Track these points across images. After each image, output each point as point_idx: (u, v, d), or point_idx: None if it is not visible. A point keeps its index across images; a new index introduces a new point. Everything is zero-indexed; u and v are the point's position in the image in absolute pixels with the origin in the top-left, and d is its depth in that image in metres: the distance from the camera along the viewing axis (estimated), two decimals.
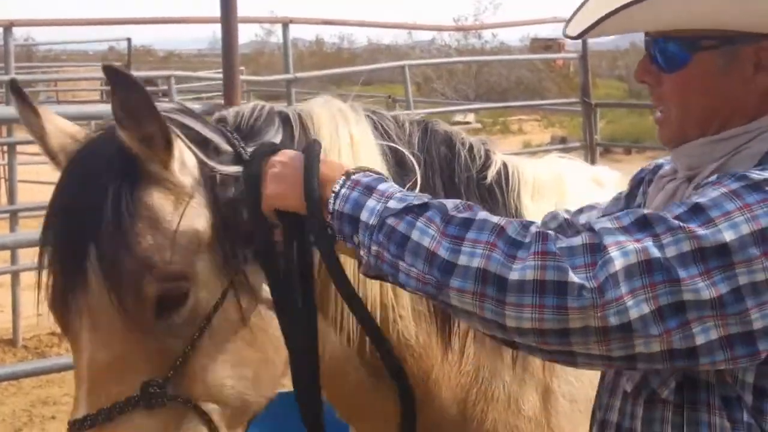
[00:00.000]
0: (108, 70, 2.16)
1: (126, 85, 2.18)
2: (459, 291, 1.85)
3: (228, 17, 5.24)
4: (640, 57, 2.22)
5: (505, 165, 2.87)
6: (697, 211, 1.83)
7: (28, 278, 11.23)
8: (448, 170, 2.75)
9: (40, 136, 2.47)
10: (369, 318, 2.43)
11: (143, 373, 2.22)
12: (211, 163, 2.37)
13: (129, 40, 20.71)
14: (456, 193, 2.69)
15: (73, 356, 2.32)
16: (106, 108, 12.16)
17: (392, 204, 1.99)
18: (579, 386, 2.81)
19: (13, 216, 10.45)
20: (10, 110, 9.22)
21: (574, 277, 1.77)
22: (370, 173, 2.13)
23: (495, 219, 1.90)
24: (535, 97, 30.02)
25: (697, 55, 2.07)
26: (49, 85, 24.17)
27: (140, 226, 2.23)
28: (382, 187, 2.06)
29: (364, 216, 2.02)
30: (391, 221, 1.96)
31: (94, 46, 43.57)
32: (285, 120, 2.57)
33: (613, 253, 1.78)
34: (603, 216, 2.35)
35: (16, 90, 2.48)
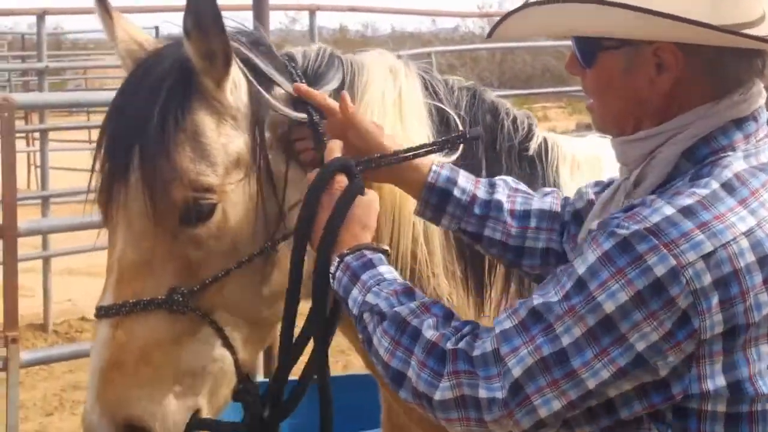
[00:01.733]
0: None
1: None
2: (407, 398, 2.06)
3: (260, 4, 5.28)
4: None
5: (545, 140, 2.95)
6: (580, 287, 1.89)
7: (59, 263, 11.36)
8: (491, 137, 2.84)
9: (112, 39, 2.64)
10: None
11: (171, 278, 2.38)
12: (267, 96, 2.49)
13: (157, 28, 20.72)
14: (497, 159, 2.81)
15: (107, 251, 2.46)
16: None
17: (369, 298, 2.13)
18: None
19: (45, 202, 10.56)
20: (43, 97, 9.34)
21: (484, 393, 1.94)
22: (363, 254, 2.22)
23: (429, 333, 2.03)
24: (560, 85, 29.83)
25: (601, 54, 2.11)
26: (78, 72, 24.29)
27: (181, 135, 2.37)
28: (365, 276, 2.17)
29: (349, 303, 2.18)
30: (365, 316, 2.13)
31: None
32: (343, 68, 2.69)
33: (510, 362, 1.92)
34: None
35: None
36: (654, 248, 1.85)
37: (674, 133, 2.06)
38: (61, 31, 33.52)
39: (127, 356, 2.35)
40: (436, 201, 2.52)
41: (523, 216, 2.54)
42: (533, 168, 2.88)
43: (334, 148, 2.41)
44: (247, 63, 2.51)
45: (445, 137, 2.65)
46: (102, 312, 2.37)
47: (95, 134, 19.82)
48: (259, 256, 2.46)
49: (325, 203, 2.29)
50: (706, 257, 1.85)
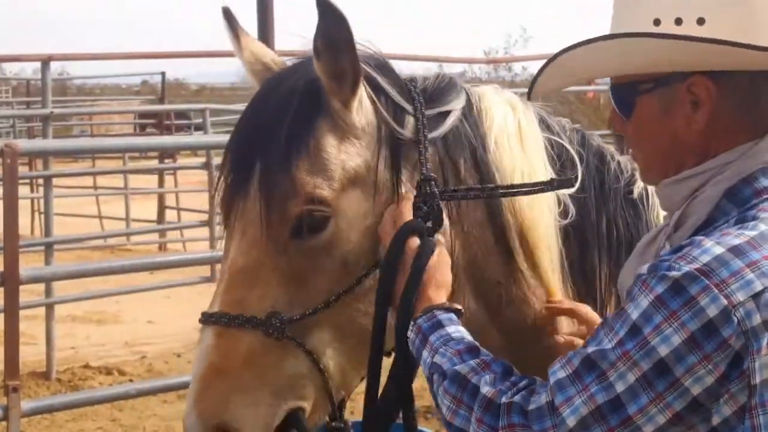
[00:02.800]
0: (319, 2, 2.31)
1: (333, 18, 2.34)
2: None
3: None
4: None
5: (645, 185, 2.97)
6: (634, 332, 1.89)
7: (62, 310, 11.30)
8: (599, 178, 2.88)
9: (240, 58, 2.76)
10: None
11: (275, 292, 2.43)
12: (387, 118, 2.53)
13: (163, 73, 20.88)
14: (604, 200, 2.85)
15: (222, 260, 2.57)
16: (140, 141, 12.20)
17: (436, 359, 2.19)
18: None
19: (49, 248, 10.49)
20: (46, 143, 9.33)
21: None
22: (434, 314, 2.29)
23: (486, 390, 2.07)
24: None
25: (639, 99, 2.14)
26: (83, 118, 24.38)
27: (301, 153, 2.43)
28: (433, 338, 2.23)
29: (422, 366, 2.25)
30: (434, 377, 2.18)
31: (128, 79, 43.91)
32: (466, 92, 2.73)
33: (565, 412, 1.92)
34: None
35: (228, 17, 2.74)
36: (705, 288, 1.85)
37: (717, 172, 2.07)
38: (66, 76, 33.65)
39: (224, 364, 2.41)
40: None
41: None
42: (637, 211, 2.90)
43: (408, 200, 2.48)
44: (371, 83, 2.55)
45: (549, 179, 2.67)
46: (203, 318, 2.47)
47: (100, 180, 19.87)
48: (366, 277, 2.47)
49: (400, 267, 2.37)
50: (755, 297, 1.85)
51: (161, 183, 18.25)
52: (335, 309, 2.45)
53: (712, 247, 1.90)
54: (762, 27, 2.03)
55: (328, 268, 2.45)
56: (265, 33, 5.18)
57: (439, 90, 2.68)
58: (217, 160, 15.35)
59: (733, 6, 2.03)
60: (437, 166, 2.58)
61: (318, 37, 2.38)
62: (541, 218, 2.69)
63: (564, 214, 2.72)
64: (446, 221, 2.54)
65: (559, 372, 1.97)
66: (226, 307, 2.44)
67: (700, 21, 2.03)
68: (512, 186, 2.61)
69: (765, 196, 2.01)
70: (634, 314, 1.91)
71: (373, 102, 2.54)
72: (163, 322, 12.14)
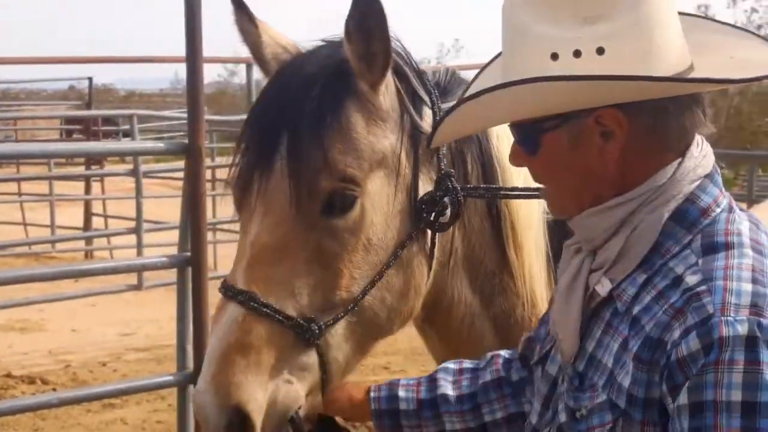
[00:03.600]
0: None
1: (366, 1, 2.38)
2: None
3: (193, 56, 5.18)
4: None
5: None
6: (750, 411, 1.74)
7: None
8: None
9: (255, 44, 2.77)
10: None
11: (303, 268, 2.43)
12: (409, 106, 2.60)
13: (90, 79, 20.62)
14: None
15: (240, 236, 2.54)
16: (66, 147, 12.01)
17: None
18: None
19: None
20: None
21: None
22: None
23: None
24: None
25: (544, 137, 2.06)
26: (8, 123, 23.99)
27: (334, 128, 2.45)
28: None
29: None
30: None
31: (55, 84, 43.36)
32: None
33: None
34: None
35: (240, 6, 2.75)
36: None
37: (649, 198, 2.02)
38: None
39: (249, 348, 2.39)
40: (389, 423, 2.58)
41: (471, 397, 2.55)
42: None
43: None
44: (397, 70, 2.61)
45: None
46: (230, 293, 2.43)
47: (25, 186, 19.47)
48: (393, 260, 2.52)
49: None
50: None
51: (88, 190, 18.02)
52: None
53: (740, 286, 1.84)
54: (662, 50, 1.97)
55: (353, 252, 2.49)
56: (193, 39, 5.12)
57: (450, 84, 2.78)
58: (144, 167, 15.24)
59: (630, 32, 1.95)
60: (450, 160, 2.67)
61: (350, 19, 2.42)
62: (534, 213, 2.79)
63: None
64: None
65: None
66: (254, 285, 2.42)
67: (600, 51, 1.94)
68: (527, 189, 2.69)
69: (713, 214, 2.00)
70: (735, 395, 1.75)
71: (397, 88, 2.60)
72: (88, 330, 11.97)
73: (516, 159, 2.18)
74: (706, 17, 2.24)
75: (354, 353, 2.58)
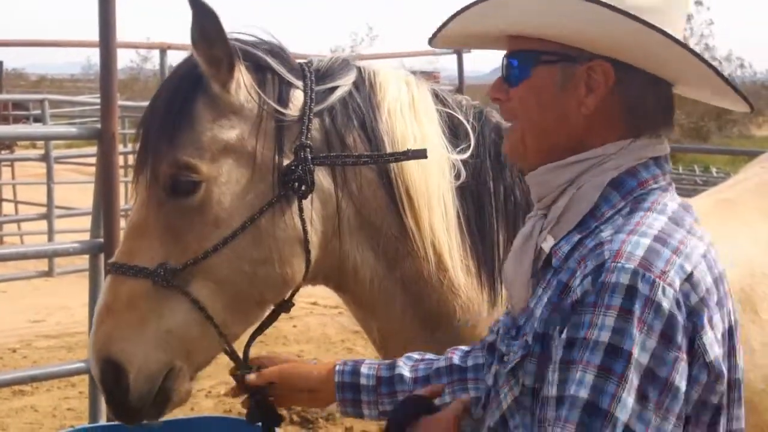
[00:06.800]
0: (191, 1, 2.67)
1: (203, 12, 2.68)
2: None
3: (107, 41, 5.17)
4: None
5: None
6: (614, 353, 1.87)
7: None
8: (495, 151, 3.09)
9: None
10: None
11: (161, 245, 2.77)
12: (266, 98, 2.85)
13: (0, 63, 20.27)
14: (501, 168, 3.08)
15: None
16: None
17: None
18: None
19: None
20: None
21: None
22: None
23: None
24: None
25: (536, 69, 2.16)
26: None
27: (175, 125, 2.77)
28: None
29: None
30: None
31: None
32: (359, 70, 3.03)
33: None
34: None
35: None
36: (653, 285, 1.90)
37: (598, 162, 2.14)
38: None
39: (117, 306, 2.76)
40: (350, 396, 2.71)
41: (425, 380, 2.65)
42: None
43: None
44: (257, 63, 2.88)
45: (392, 152, 2.93)
46: (107, 267, 2.82)
47: None
48: (241, 231, 2.78)
49: None
50: (688, 279, 1.94)
51: None
52: (214, 263, 2.77)
53: (641, 238, 1.96)
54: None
55: (201, 225, 2.78)
56: (107, 23, 5.11)
57: (331, 69, 2.99)
58: (56, 152, 15.03)
59: (659, 10, 2.09)
60: (323, 135, 2.90)
61: (193, 29, 2.72)
62: (433, 179, 2.95)
63: (458, 176, 2.98)
64: (329, 185, 2.88)
65: None
66: (121, 257, 2.80)
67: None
68: (380, 155, 2.91)
69: (649, 187, 2.11)
70: (603, 336, 1.89)
71: (255, 80, 2.85)
72: None
73: (497, 91, 2.26)
74: None
75: (233, 312, 2.83)
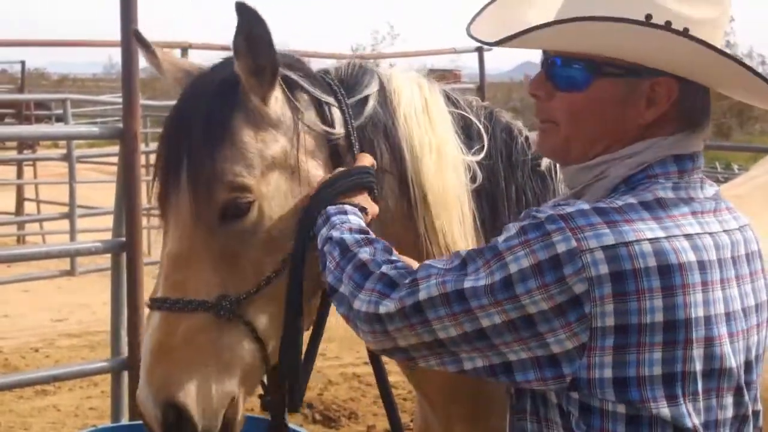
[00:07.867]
0: (238, 5, 2.50)
1: (253, 19, 2.53)
2: (340, 312, 2.41)
3: (128, 41, 5.17)
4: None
5: None
6: (493, 250, 2.12)
7: None
8: (506, 149, 3.09)
9: (160, 72, 2.93)
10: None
11: (214, 275, 2.61)
12: (302, 110, 2.76)
13: (23, 62, 20.35)
14: (513, 168, 3.06)
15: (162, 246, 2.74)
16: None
17: (331, 233, 2.48)
18: None
19: None
20: None
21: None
22: (343, 207, 2.58)
23: (362, 255, 2.37)
24: None
25: (598, 80, 2.17)
26: None
27: (221, 143, 2.62)
28: (335, 219, 2.52)
29: (318, 241, 2.56)
30: (326, 248, 2.48)
31: None
32: (377, 75, 2.98)
33: (421, 285, 2.18)
34: None
35: (139, 39, 2.94)
36: (561, 229, 2.02)
37: (623, 158, 2.18)
38: None
39: (173, 344, 2.58)
40: None
41: None
42: (545, 181, 3.09)
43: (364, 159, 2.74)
44: (285, 80, 2.76)
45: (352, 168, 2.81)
46: (156, 305, 2.62)
47: None
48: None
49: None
50: (606, 248, 2.00)
51: (20, 174, 17.81)
52: (275, 288, 2.64)
53: (581, 204, 2.07)
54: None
55: (257, 246, 2.65)
56: (128, 22, 5.11)
57: (355, 77, 2.94)
58: (78, 152, 15.09)
59: (712, 24, 2.14)
60: (360, 149, 2.84)
61: (238, 37, 2.56)
62: (450, 184, 2.92)
63: (474, 179, 2.95)
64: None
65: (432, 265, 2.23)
66: (168, 291, 2.61)
67: (685, 31, 2.08)
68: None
69: (652, 181, 2.15)
70: (500, 238, 2.13)
71: (287, 96, 2.75)
72: (20, 316, 11.85)
73: (538, 88, 2.29)
74: None
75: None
